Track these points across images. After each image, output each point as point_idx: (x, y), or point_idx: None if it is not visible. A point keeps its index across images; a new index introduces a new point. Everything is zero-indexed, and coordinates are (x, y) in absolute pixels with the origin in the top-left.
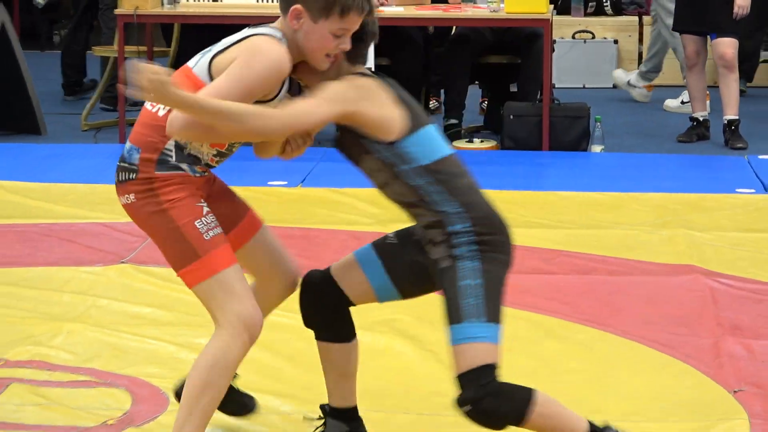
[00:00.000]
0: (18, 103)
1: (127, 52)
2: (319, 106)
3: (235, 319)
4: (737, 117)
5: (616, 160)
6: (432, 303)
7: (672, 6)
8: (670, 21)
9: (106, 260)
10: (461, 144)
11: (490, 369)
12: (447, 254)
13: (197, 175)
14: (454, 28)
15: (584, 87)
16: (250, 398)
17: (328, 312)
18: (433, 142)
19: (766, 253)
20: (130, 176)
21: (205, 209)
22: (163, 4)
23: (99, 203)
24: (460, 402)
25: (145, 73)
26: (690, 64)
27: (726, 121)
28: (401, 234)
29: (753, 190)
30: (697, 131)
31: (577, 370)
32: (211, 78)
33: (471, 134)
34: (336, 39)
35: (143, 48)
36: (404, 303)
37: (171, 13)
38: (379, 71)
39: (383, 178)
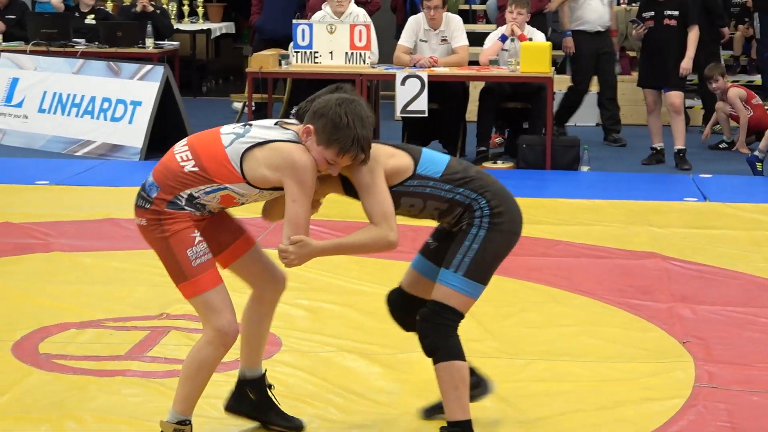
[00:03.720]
0: (177, 133)
1: (254, 98)
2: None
3: (214, 331)
4: (684, 147)
5: (599, 177)
6: None
7: None
8: None
9: None
10: (488, 164)
11: (448, 311)
12: (466, 222)
13: (198, 214)
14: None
15: (575, 125)
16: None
17: (414, 317)
18: (434, 159)
19: (704, 243)
20: (146, 205)
21: (197, 239)
22: (280, 64)
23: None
24: (419, 317)
25: (295, 252)
26: (649, 110)
27: (676, 150)
28: (436, 235)
29: (696, 199)
30: (656, 157)
31: (571, 325)
32: (240, 166)
33: (495, 157)
34: (328, 165)
35: (266, 95)
36: None
37: (285, 71)
38: (431, 114)
39: (419, 204)
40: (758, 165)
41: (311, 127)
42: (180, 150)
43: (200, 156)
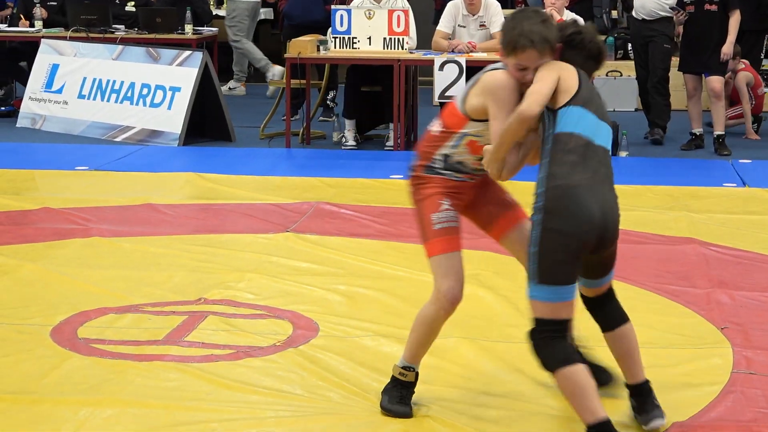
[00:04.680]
0: (216, 119)
1: (292, 84)
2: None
3: (436, 293)
4: (723, 132)
5: (637, 162)
6: (508, 261)
7: None
8: None
9: (276, 230)
10: None
11: (540, 322)
12: (533, 209)
13: (457, 179)
14: None
15: (614, 110)
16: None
17: (595, 314)
18: (572, 119)
19: (744, 228)
20: (410, 173)
21: (444, 207)
22: (318, 50)
23: (271, 189)
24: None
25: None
26: (690, 95)
27: (715, 136)
28: None
29: (735, 185)
30: (695, 142)
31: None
32: (464, 106)
33: None
34: (519, 72)
35: (304, 81)
36: (485, 260)
37: (323, 56)
38: None
39: (540, 141)
40: None
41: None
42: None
43: (442, 116)
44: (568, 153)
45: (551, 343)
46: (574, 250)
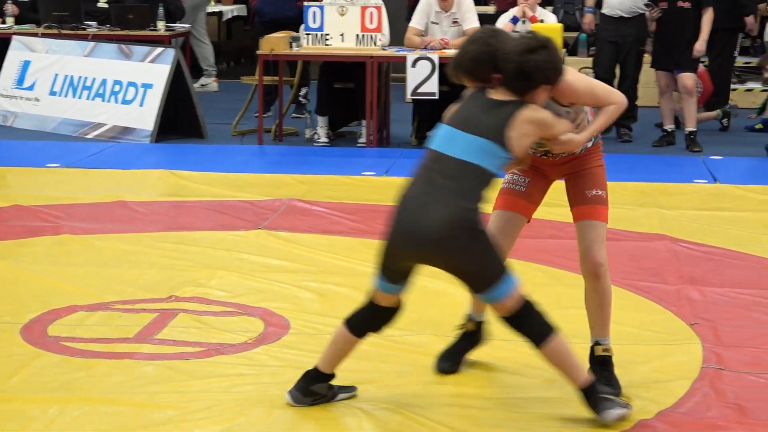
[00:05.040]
0: (188, 116)
1: (264, 81)
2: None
3: None
4: (695, 129)
5: (609, 159)
6: None
7: None
8: None
9: (248, 227)
10: None
11: None
12: None
13: (534, 154)
14: None
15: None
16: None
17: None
18: (434, 137)
19: (715, 225)
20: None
21: (517, 174)
22: (291, 47)
23: (243, 186)
24: None
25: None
26: (662, 92)
27: (687, 132)
28: None
29: (706, 181)
30: (667, 139)
31: (578, 307)
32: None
33: None
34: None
35: (276, 78)
36: None
37: (296, 53)
38: (441, 96)
39: None
40: None
41: None
42: None
43: None
44: (419, 167)
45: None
46: (388, 256)
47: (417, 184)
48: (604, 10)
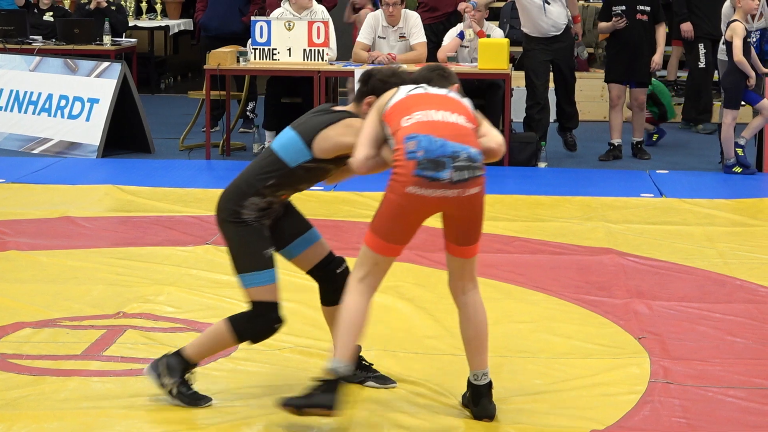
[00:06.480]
0: (135, 130)
1: (212, 95)
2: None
3: None
4: (642, 138)
5: (555, 173)
6: (428, 273)
7: None
8: None
9: (196, 242)
10: None
11: None
12: None
13: None
14: None
15: None
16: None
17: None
18: None
19: (661, 239)
20: (480, 173)
21: None
22: (238, 61)
23: (191, 201)
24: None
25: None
26: (613, 104)
27: (634, 142)
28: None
29: (652, 195)
30: (614, 153)
31: (527, 321)
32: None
33: None
34: None
35: (223, 92)
36: (405, 271)
37: (243, 68)
38: None
39: None
40: (739, 150)
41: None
42: (456, 119)
43: (466, 116)
44: None
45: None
46: None
47: None
48: (532, 33)
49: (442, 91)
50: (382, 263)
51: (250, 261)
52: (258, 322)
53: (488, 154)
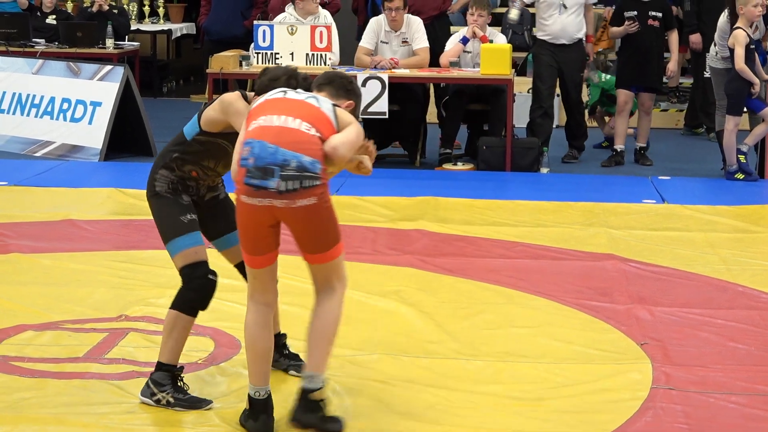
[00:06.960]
0: (137, 134)
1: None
2: None
3: (345, 287)
4: (646, 144)
5: (558, 178)
6: (430, 278)
7: None
8: None
9: None
10: (449, 166)
11: None
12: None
13: None
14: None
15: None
16: None
17: None
18: None
19: (662, 245)
20: (316, 182)
21: None
22: (241, 65)
23: None
24: None
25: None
26: (620, 110)
27: (638, 147)
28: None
29: (654, 201)
30: (615, 159)
31: (528, 326)
32: (336, 119)
33: (456, 159)
34: None
35: None
36: (408, 276)
37: (245, 72)
38: (391, 115)
39: None
40: (741, 157)
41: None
42: (298, 125)
43: (314, 123)
44: None
45: None
46: None
47: None
48: (543, 36)
49: (302, 96)
50: (259, 276)
51: (169, 228)
52: (192, 286)
53: (328, 160)
